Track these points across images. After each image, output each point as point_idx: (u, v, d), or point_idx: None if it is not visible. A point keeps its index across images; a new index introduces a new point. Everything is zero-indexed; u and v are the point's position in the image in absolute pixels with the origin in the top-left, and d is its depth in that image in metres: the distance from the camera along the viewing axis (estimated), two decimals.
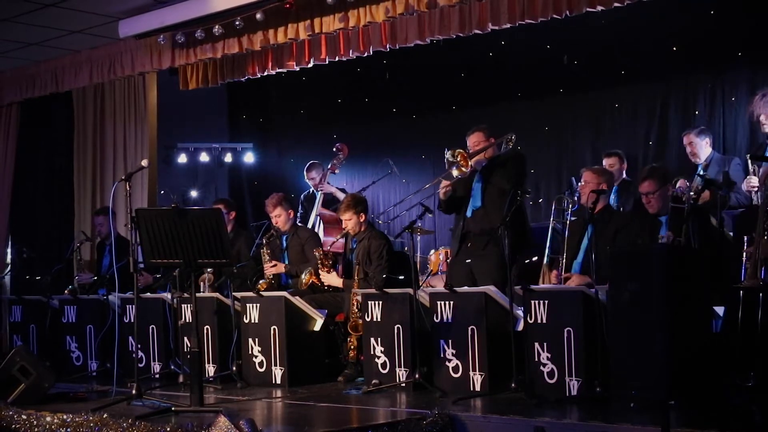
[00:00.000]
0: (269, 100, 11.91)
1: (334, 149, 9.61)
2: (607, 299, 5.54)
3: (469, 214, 6.96)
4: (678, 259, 5.28)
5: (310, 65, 8.81)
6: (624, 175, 8.41)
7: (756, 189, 6.91)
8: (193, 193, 11.73)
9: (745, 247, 5.44)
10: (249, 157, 11.86)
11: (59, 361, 8.25)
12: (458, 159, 6.74)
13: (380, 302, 6.72)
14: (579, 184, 6.92)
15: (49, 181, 11.10)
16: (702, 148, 7.84)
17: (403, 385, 6.52)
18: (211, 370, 7.46)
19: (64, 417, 5.63)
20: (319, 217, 9.29)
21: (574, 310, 5.77)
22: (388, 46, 8.21)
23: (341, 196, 9.07)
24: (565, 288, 6.17)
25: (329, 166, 9.52)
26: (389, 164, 9.59)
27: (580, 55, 9.22)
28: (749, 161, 7.10)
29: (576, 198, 6.99)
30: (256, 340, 7.27)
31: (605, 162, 8.34)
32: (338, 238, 7.83)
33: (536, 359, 5.90)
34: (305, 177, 9.68)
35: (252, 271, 8.04)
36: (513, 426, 5.20)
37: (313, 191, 9.52)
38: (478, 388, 6.16)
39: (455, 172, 6.78)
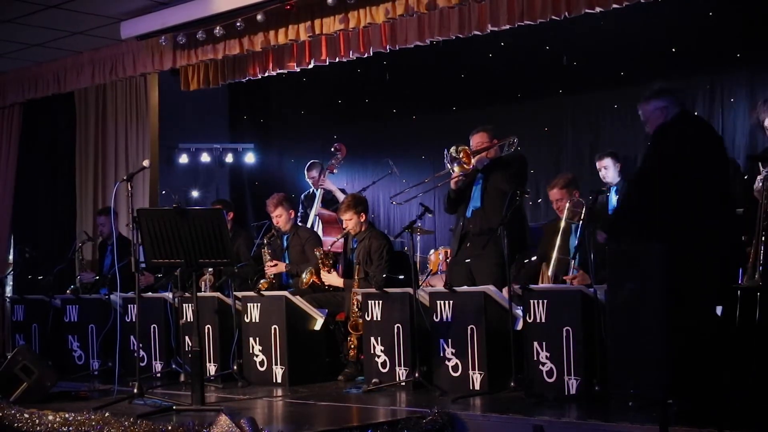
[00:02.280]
0: (270, 100, 11.94)
1: (332, 149, 9.62)
2: (606, 299, 5.56)
3: (468, 214, 6.98)
4: (677, 258, 5.30)
5: (310, 66, 8.81)
6: (621, 176, 8.37)
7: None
8: (195, 194, 11.75)
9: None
10: (250, 158, 11.90)
11: (61, 360, 8.28)
12: (461, 156, 6.77)
13: (380, 302, 6.75)
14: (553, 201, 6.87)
15: (51, 181, 11.11)
16: None
17: (403, 384, 6.54)
18: (212, 369, 7.49)
19: (66, 416, 5.65)
20: (317, 217, 9.31)
21: (572, 310, 5.80)
22: (388, 47, 8.21)
23: (341, 196, 9.09)
24: (563, 288, 6.20)
25: (327, 166, 9.53)
26: (389, 164, 9.61)
27: (579, 55, 9.22)
28: (760, 164, 7.08)
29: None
30: (257, 339, 7.29)
31: (599, 165, 8.29)
32: (339, 238, 7.86)
33: (535, 358, 5.93)
34: (306, 176, 9.70)
35: (253, 270, 8.07)
36: (512, 424, 5.22)
37: (313, 190, 9.53)
38: (477, 387, 6.18)
39: (457, 169, 6.81)
